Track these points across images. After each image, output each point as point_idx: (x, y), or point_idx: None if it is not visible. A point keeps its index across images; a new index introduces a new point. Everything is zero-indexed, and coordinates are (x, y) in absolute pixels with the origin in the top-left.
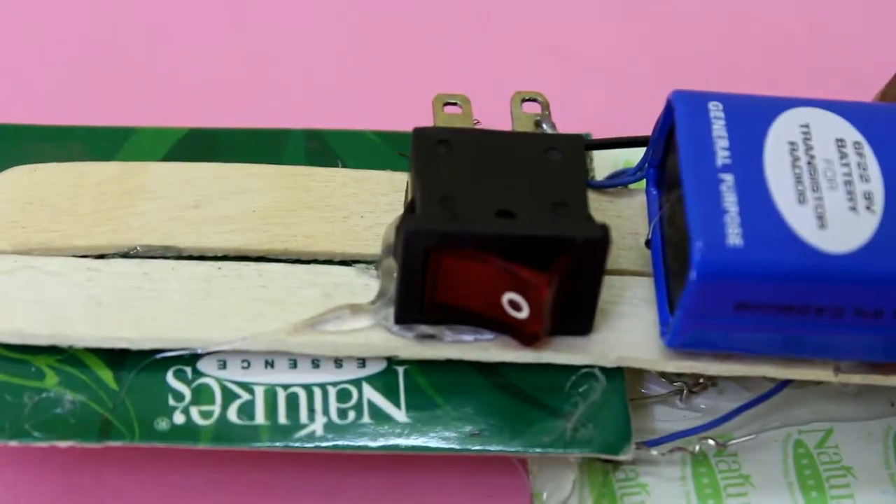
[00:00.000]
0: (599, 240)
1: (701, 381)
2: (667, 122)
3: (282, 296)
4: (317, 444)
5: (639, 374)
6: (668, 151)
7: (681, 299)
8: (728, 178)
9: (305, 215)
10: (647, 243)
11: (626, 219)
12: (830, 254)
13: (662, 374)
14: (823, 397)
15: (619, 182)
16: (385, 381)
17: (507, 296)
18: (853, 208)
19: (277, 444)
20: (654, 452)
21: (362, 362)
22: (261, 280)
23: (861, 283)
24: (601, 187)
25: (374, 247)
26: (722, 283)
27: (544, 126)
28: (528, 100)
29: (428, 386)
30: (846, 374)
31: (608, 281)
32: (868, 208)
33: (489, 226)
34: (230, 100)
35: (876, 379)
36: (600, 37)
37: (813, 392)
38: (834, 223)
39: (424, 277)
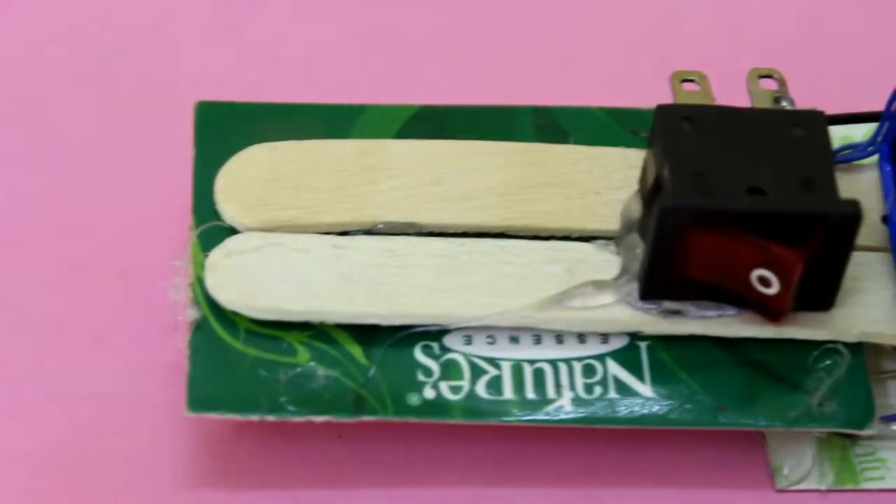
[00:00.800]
0: (852, 216)
1: None
2: None
3: (526, 272)
4: (565, 417)
5: (874, 351)
6: None
7: None
8: None
9: (543, 192)
10: (884, 219)
11: (857, 194)
12: None
13: None
14: None
15: (849, 158)
16: (628, 357)
17: (757, 272)
18: None
19: (526, 418)
20: (893, 427)
21: (605, 338)
22: (504, 256)
23: None
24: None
25: (610, 223)
26: None
27: (784, 102)
28: (765, 76)
29: (671, 361)
30: None
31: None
32: None
33: (743, 202)
34: (451, 77)
35: None
36: None
37: None
38: None
39: (673, 253)
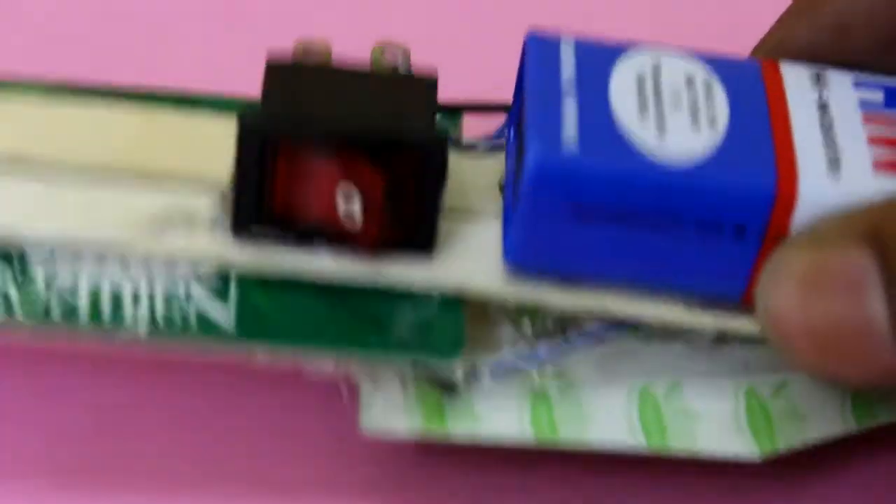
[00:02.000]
0: (437, 141)
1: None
2: (523, 66)
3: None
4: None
5: (485, 321)
6: (523, 95)
7: (517, 207)
8: (570, 100)
9: None
10: (501, 187)
11: (493, 176)
12: (668, 163)
13: (511, 321)
14: (675, 354)
15: (490, 143)
16: (216, 291)
17: (345, 202)
18: (696, 127)
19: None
20: (489, 381)
21: (195, 270)
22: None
23: (698, 193)
24: (474, 148)
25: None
26: (556, 185)
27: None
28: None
29: (262, 299)
30: (696, 313)
31: (462, 216)
32: (711, 127)
33: (329, 124)
34: None
35: (726, 321)
36: None
37: (666, 350)
38: (674, 136)
39: (261, 181)
